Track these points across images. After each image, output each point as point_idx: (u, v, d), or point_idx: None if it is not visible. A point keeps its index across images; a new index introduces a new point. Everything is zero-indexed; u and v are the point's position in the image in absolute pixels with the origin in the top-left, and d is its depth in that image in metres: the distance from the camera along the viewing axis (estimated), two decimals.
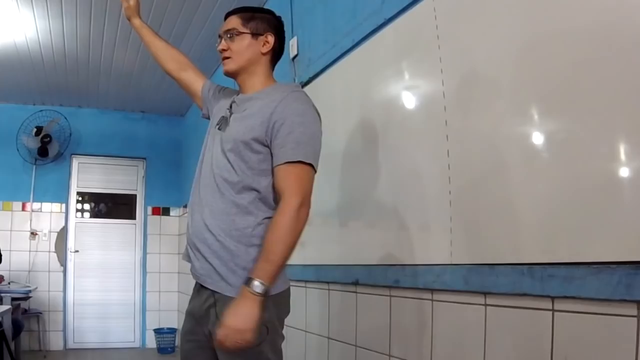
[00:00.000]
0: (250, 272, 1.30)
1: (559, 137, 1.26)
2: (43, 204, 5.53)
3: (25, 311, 4.97)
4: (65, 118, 5.45)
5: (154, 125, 5.99)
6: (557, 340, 1.19)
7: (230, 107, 1.51)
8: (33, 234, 5.45)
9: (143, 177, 5.97)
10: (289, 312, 1.46)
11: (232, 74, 1.52)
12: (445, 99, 1.61)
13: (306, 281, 2.52)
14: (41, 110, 5.44)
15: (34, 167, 5.47)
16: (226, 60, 1.50)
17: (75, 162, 5.74)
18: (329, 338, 2.30)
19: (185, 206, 5.70)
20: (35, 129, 5.31)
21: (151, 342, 5.61)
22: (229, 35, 1.48)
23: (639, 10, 1.06)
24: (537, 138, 1.31)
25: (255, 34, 1.48)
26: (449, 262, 1.56)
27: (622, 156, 1.11)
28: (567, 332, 1.18)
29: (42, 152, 5.32)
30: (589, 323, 1.12)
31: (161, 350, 5.37)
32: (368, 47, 2.10)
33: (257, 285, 1.27)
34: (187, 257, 1.49)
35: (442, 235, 1.59)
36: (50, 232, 5.52)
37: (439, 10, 1.66)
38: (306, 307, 2.52)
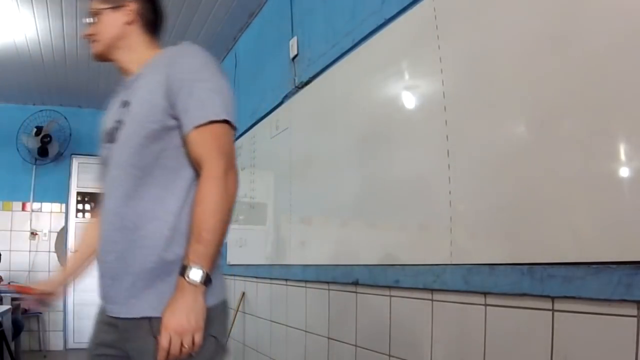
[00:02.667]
0: (183, 260, 1.08)
1: (559, 136, 1.25)
2: (43, 204, 5.53)
3: (25, 311, 4.97)
4: (65, 118, 5.45)
5: None
6: (557, 340, 1.19)
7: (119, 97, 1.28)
8: (33, 234, 5.45)
9: None
10: (225, 330, 1.20)
11: (101, 57, 1.33)
12: (445, 99, 1.61)
13: (306, 281, 2.52)
14: (41, 110, 5.44)
15: (34, 167, 5.47)
16: (92, 44, 1.32)
17: (75, 162, 5.74)
18: (329, 338, 2.29)
19: None
20: (35, 129, 5.31)
21: None
22: (91, 20, 1.31)
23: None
24: (537, 138, 1.31)
25: (115, 7, 1.30)
26: (449, 262, 1.56)
27: (622, 156, 1.11)
28: (567, 332, 1.18)
29: (42, 152, 5.33)
30: (589, 323, 1.12)
31: None
32: (368, 47, 2.10)
33: (194, 272, 1.04)
34: None
35: (442, 235, 1.59)
36: (50, 232, 5.52)
37: (439, 10, 1.66)
38: (306, 307, 2.52)
